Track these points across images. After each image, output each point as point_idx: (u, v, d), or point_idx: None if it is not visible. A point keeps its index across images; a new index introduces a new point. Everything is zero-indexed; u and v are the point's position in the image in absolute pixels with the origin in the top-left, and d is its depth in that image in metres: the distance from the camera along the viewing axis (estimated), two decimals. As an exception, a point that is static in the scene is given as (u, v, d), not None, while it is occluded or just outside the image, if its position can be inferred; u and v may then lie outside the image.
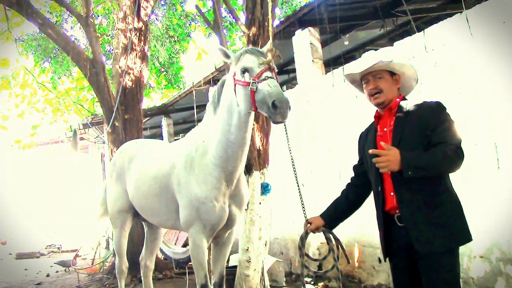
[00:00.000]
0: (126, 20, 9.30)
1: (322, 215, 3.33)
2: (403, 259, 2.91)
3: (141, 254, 5.51)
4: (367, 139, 3.14)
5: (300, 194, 3.97)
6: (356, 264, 6.88)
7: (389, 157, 2.61)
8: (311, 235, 3.39)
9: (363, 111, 6.78)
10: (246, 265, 5.99)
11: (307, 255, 3.45)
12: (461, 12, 5.53)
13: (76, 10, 11.03)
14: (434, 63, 5.73)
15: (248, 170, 6.01)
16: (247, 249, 6.01)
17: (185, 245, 9.48)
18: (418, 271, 2.82)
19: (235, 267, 6.32)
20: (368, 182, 3.14)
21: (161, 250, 9.44)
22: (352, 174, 3.41)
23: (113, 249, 6.42)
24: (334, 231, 3.35)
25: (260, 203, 6.13)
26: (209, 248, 4.28)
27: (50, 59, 15.07)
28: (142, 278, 5.50)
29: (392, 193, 2.86)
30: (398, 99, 3.01)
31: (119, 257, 5.29)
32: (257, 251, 6.04)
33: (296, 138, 7.91)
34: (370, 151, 2.73)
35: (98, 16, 14.87)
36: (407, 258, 2.87)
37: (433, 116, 2.80)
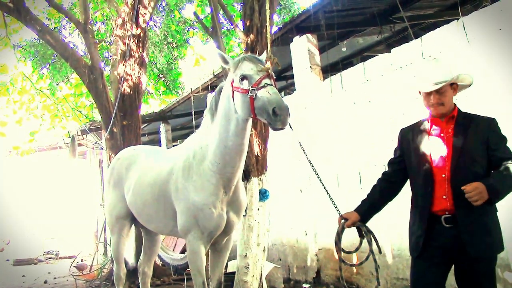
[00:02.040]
0: (125, 26, 9.32)
1: (357, 210, 3.38)
2: (440, 258, 3.01)
3: (139, 260, 5.50)
4: (416, 139, 3.20)
5: (328, 193, 4.01)
6: (355, 270, 6.88)
7: (480, 190, 2.74)
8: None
9: (360, 117, 6.81)
10: (244, 271, 5.98)
11: (343, 250, 3.50)
12: (458, 19, 5.56)
13: (74, 17, 11.07)
14: (431, 69, 5.75)
15: (246, 176, 6.01)
16: (245, 255, 6.00)
17: (183, 251, 9.46)
18: (448, 269, 3.03)
19: (233, 273, 6.31)
20: (403, 179, 3.30)
21: (159, 256, 9.43)
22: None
23: (111, 256, 6.40)
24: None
25: (258, 209, 6.13)
26: (207, 255, 4.28)
27: (48, 65, 15.07)
28: (140, 284, 5.48)
29: (444, 196, 2.97)
30: (456, 108, 3.14)
31: (117, 264, 5.28)
32: (255, 257, 6.04)
33: (293, 144, 7.92)
34: (463, 188, 2.80)
35: (97, 22, 14.89)
36: (446, 258, 3.00)
37: (494, 131, 3.00)
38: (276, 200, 8.05)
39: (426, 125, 3.19)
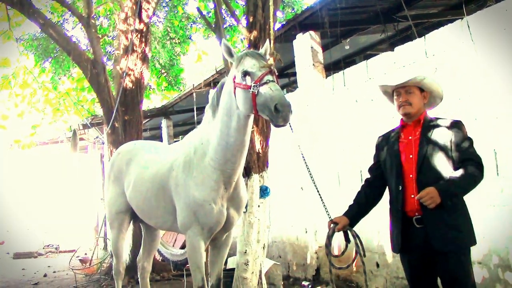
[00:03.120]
0: (128, 21, 9.31)
1: (346, 215, 3.57)
2: (418, 256, 3.25)
3: (139, 255, 5.51)
4: (388, 144, 3.48)
5: (321, 196, 4.33)
6: (354, 269, 6.87)
7: (431, 195, 2.98)
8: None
9: (362, 115, 6.80)
10: (244, 267, 5.98)
11: (331, 253, 3.65)
12: (462, 18, 5.53)
13: (77, 11, 11.05)
14: (435, 68, 5.73)
15: (248, 173, 6.00)
16: (245, 252, 6.00)
17: (183, 247, 9.46)
18: (431, 266, 3.21)
19: (233, 269, 6.31)
20: (383, 183, 3.51)
21: (159, 252, 9.44)
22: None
23: (111, 250, 6.41)
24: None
25: (259, 206, 6.12)
26: (206, 251, 4.28)
27: (50, 59, 15.04)
28: (139, 279, 5.49)
29: (412, 196, 3.20)
30: (424, 113, 3.39)
31: (116, 258, 5.29)
32: (255, 254, 6.03)
33: (295, 142, 7.91)
34: (417, 197, 3.06)
35: (100, 17, 14.83)
36: (422, 255, 3.22)
37: (458, 132, 3.19)
38: (276, 197, 8.05)
39: (397, 130, 3.48)
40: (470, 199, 4.99)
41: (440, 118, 3.34)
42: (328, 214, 3.87)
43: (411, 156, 3.27)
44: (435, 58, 5.78)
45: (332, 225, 3.55)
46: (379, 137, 3.65)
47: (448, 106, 5.46)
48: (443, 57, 5.67)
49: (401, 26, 9.63)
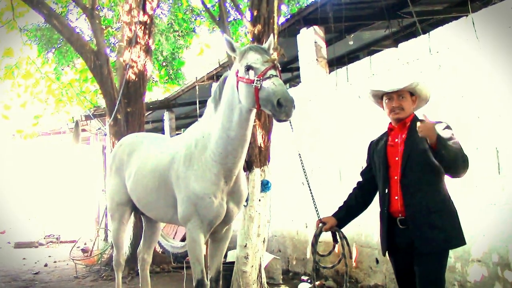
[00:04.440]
0: (132, 13, 9.29)
1: (335, 216, 3.62)
2: (403, 256, 3.29)
3: (139, 247, 5.52)
4: (377, 147, 3.49)
5: (312, 195, 4.27)
6: (354, 264, 6.88)
7: (430, 126, 2.91)
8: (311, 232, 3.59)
9: (365, 111, 6.78)
10: (244, 261, 6.00)
11: (318, 253, 3.74)
12: (467, 16, 5.51)
13: (81, 2, 11.01)
14: (438, 65, 5.72)
15: (249, 167, 6.01)
16: (245, 246, 6.02)
17: (183, 239, 9.48)
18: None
19: (233, 263, 6.33)
20: (375, 187, 3.51)
21: (159, 244, 9.45)
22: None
23: (111, 242, 6.43)
24: None
25: (259, 200, 6.14)
26: (206, 243, 4.29)
27: (54, 49, 15.03)
28: (139, 271, 5.51)
29: (396, 197, 3.24)
30: (412, 115, 3.39)
31: (116, 250, 5.31)
32: (255, 248, 6.05)
33: (297, 137, 7.91)
34: (420, 126, 2.94)
35: (104, 8, 14.82)
36: (407, 256, 3.23)
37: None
38: (277, 191, 8.05)
39: (386, 134, 3.51)
40: (470, 198, 5.00)
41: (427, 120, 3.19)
42: (318, 213, 3.94)
43: (396, 158, 3.30)
44: (439, 55, 5.76)
45: (320, 224, 3.62)
46: (371, 142, 3.68)
47: (450, 104, 5.46)
48: (447, 54, 5.65)
49: (406, 23, 9.59)
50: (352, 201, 3.66)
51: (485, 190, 5.07)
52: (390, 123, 3.46)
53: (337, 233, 3.61)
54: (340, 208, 3.67)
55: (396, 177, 3.26)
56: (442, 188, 3.24)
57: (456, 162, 3.03)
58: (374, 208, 3.64)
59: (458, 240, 3.19)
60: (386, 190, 3.31)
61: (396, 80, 3.42)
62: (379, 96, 3.52)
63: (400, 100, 3.32)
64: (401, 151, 3.28)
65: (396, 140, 3.36)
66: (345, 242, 3.61)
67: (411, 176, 3.19)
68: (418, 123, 2.96)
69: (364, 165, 3.70)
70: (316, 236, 3.65)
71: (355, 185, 3.75)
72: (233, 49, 3.66)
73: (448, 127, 3.17)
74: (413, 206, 3.16)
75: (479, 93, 5.22)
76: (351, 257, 3.82)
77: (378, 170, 3.42)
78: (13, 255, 13.64)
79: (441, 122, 3.20)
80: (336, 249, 3.77)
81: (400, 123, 3.36)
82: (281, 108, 3.17)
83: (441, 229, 3.11)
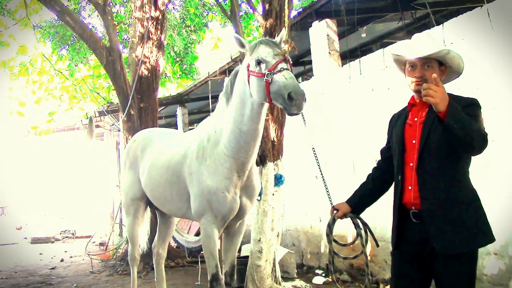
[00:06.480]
0: (143, 9, 9.32)
1: (348, 201, 3.23)
2: (412, 252, 2.82)
3: (154, 241, 5.55)
4: (397, 126, 2.98)
5: (325, 182, 4.08)
6: (369, 258, 6.85)
7: (440, 93, 2.36)
8: (339, 220, 3.33)
9: (378, 105, 6.74)
10: (258, 255, 6.00)
11: (336, 241, 3.39)
12: (481, 6, 5.43)
13: (94, -2, 11.07)
14: (453, 57, 5.65)
15: (262, 161, 6.01)
16: (259, 240, 6.02)
17: (197, 234, 9.52)
18: (425, 267, 2.77)
19: (247, 257, 6.34)
20: (393, 167, 3.00)
21: (174, 238, 9.51)
22: (378, 158, 3.28)
23: (126, 236, 6.47)
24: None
25: (273, 194, 6.14)
26: (220, 238, 4.30)
27: (67, 46, 15.16)
28: (154, 265, 5.54)
29: (410, 187, 2.77)
30: None
31: (132, 245, 5.34)
32: (269, 242, 6.05)
33: (310, 130, 7.88)
34: (424, 85, 2.42)
35: (116, 4, 14.89)
36: (417, 253, 2.79)
37: (467, 111, 2.52)
38: (291, 185, 8.04)
39: (406, 109, 2.97)
40: (486, 190, 4.94)
41: (455, 95, 2.69)
42: (331, 202, 3.68)
43: (414, 141, 2.78)
44: (454, 46, 5.68)
45: (334, 211, 3.26)
46: (393, 115, 3.18)
47: (465, 95, 5.37)
48: (462, 45, 5.57)
49: (419, 14, 9.50)
50: (369, 184, 3.21)
51: (502, 182, 5.01)
52: (412, 96, 2.91)
53: (353, 220, 3.24)
54: (354, 192, 3.25)
55: (411, 164, 2.77)
56: (465, 179, 2.73)
57: (470, 133, 2.43)
58: (389, 199, 3.53)
59: (485, 237, 2.71)
60: (400, 178, 2.83)
61: (423, 44, 2.80)
62: (402, 63, 2.96)
63: (425, 69, 2.75)
64: (419, 132, 2.77)
65: (415, 119, 2.83)
66: (362, 229, 3.23)
67: (429, 163, 2.69)
68: (425, 84, 2.42)
69: (379, 156, 3.37)
70: (330, 225, 3.30)
71: (375, 165, 3.30)
72: (242, 45, 3.64)
73: (474, 104, 2.68)
74: (430, 199, 2.66)
75: (495, 84, 5.15)
76: (377, 245, 3.44)
77: (394, 153, 2.95)
78: (30, 250, 13.83)
79: (473, 98, 2.73)
80: (351, 239, 3.52)
81: (421, 100, 2.66)
82: (292, 102, 3.15)
83: (464, 226, 2.62)
